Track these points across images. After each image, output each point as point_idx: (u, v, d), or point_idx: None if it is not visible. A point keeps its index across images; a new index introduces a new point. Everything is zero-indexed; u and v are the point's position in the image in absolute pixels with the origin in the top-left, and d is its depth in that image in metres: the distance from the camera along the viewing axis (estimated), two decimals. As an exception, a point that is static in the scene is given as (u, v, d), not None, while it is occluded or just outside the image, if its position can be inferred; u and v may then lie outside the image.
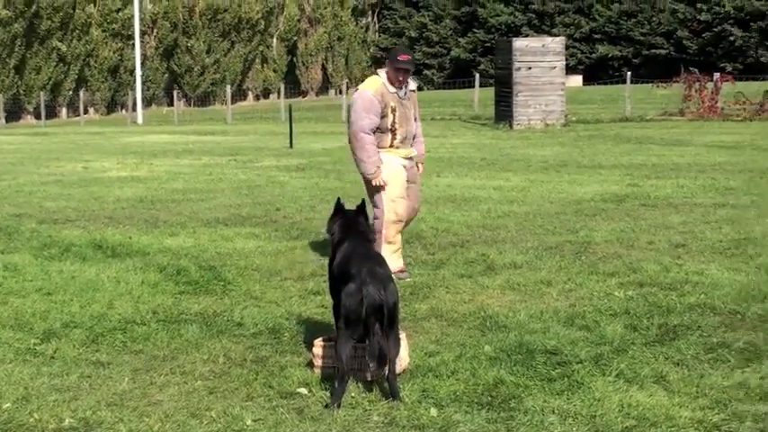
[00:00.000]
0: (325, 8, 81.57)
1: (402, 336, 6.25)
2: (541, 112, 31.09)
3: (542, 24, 77.79)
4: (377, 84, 9.04)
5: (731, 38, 71.38)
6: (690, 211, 12.75)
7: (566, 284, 8.62)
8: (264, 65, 79.94)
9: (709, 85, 33.95)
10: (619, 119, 34.01)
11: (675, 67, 51.34)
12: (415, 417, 5.49)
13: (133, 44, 54.91)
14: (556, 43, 32.00)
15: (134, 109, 51.37)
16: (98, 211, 13.92)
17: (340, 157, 22.15)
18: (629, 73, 40.26)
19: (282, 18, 79.86)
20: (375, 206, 9.14)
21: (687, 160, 19.47)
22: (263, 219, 12.88)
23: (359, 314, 5.63)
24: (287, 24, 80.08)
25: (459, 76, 66.84)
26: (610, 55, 75.18)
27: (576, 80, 67.13)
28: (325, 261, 7.42)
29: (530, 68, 31.00)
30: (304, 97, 78.14)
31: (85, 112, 58.90)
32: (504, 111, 32.08)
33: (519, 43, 31.99)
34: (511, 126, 31.06)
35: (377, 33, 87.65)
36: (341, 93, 53.99)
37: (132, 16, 55.28)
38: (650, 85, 41.89)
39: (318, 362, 6.19)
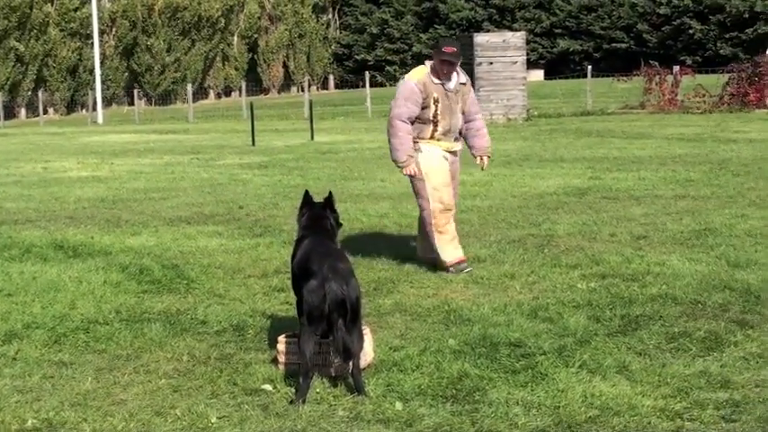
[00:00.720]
0: (286, 5, 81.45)
1: (366, 331, 6.25)
2: (503, 106, 31.23)
3: (503, 19, 78.13)
4: (421, 74, 8.95)
5: (690, 31, 72.06)
6: (651, 202, 12.85)
7: (529, 277, 8.66)
8: (225, 63, 79.73)
9: (669, 79, 34.28)
10: (580, 113, 34.22)
11: (636, 60, 51.79)
12: (380, 411, 5.50)
13: (92, 43, 54.52)
14: (516, 38, 32.16)
15: (94, 108, 51.05)
16: (59, 211, 13.81)
17: (302, 154, 22.15)
18: (589, 67, 40.51)
19: (243, 15, 79.65)
20: (420, 197, 9.08)
21: (648, 153, 19.61)
22: (225, 217, 12.84)
23: (322, 310, 5.63)
24: (247, 22, 79.88)
25: (420, 71, 66.79)
26: (571, 49, 75.61)
27: (538, 75, 67.50)
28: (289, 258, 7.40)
29: (491, 63, 31.14)
30: (266, 95, 77.97)
31: (45, 112, 58.45)
32: (465, 106, 32.13)
33: (480, 38, 32.12)
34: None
35: (338, 30, 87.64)
36: (303, 90, 53.89)
37: (90, 15, 54.88)
38: (611, 78, 42.18)
39: (282, 358, 6.18)
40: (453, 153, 9.15)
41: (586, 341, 6.61)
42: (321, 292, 5.63)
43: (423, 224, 9.25)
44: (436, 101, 8.87)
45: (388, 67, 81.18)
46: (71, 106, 67.78)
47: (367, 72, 45.73)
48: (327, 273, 5.67)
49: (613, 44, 75.12)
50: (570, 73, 62.62)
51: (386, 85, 75.93)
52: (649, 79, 34.54)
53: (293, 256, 6.31)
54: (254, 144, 25.55)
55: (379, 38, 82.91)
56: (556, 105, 37.97)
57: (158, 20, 72.43)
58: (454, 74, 8.99)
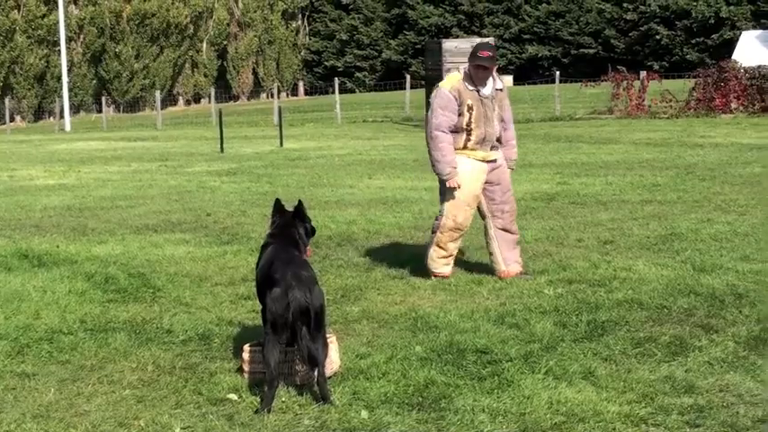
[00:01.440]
0: (255, 12, 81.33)
1: (332, 339, 6.24)
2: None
3: (472, 25, 78.38)
4: (454, 80, 8.63)
5: (657, 36, 72.56)
6: (618, 208, 12.90)
7: (496, 283, 8.67)
8: (195, 69, 79.49)
9: (636, 84, 34.45)
10: (549, 118, 34.34)
11: (604, 66, 52.08)
12: (345, 419, 5.47)
13: (59, 50, 54.19)
14: (485, 44, 32.19)
15: (61, 116, 50.69)
16: (24, 220, 13.70)
17: (271, 161, 22.09)
18: (557, 72, 40.68)
19: (212, 22, 79.42)
20: (440, 203, 8.90)
21: (616, 158, 19.71)
22: (193, 224, 12.77)
23: (286, 318, 5.60)
24: (216, 28, 79.69)
25: (390, 78, 66.96)
26: (539, 55, 75.93)
27: (507, 80, 67.61)
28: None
29: (459, 70, 31.13)
30: (236, 101, 77.77)
31: (12, 119, 58.00)
32: (434, 112, 32.15)
33: (448, 44, 32.09)
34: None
35: (307, 37, 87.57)
36: (272, 96, 53.79)
37: (58, 22, 54.53)
38: (579, 84, 42.36)
39: (247, 367, 6.14)
40: (492, 161, 8.74)
41: (553, 347, 6.62)
42: (285, 301, 5.60)
43: (433, 226, 9.08)
44: (470, 108, 8.52)
45: (357, 74, 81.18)
46: (38, 114, 67.33)
47: (336, 78, 45.69)
48: (291, 281, 5.65)
49: (581, 50, 75.51)
50: (539, 78, 62.87)
51: (355, 92, 76.00)
52: (617, 84, 34.71)
53: (257, 264, 6.28)
54: (222, 151, 25.47)
55: (349, 44, 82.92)
56: (525, 111, 38.04)
57: (126, 26, 72.10)
58: (490, 79, 8.64)
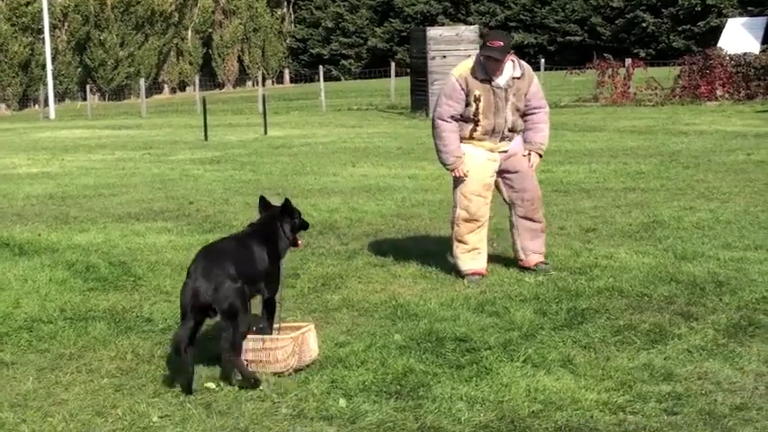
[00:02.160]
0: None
1: (310, 327, 6.23)
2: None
3: (458, 13, 78.24)
4: (464, 68, 8.24)
5: (643, 24, 72.54)
6: (601, 195, 12.91)
7: (477, 271, 8.65)
8: (180, 57, 79.11)
9: (622, 71, 34.44)
10: (534, 106, 34.28)
11: (590, 53, 52.02)
12: (323, 408, 5.47)
13: (44, 38, 53.90)
14: (470, 32, 32.19)
15: (46, 104, 50.46)
16: (6, 208, 13.64)
17: (255, 149, 22.03)
18: (542, 60, 40.68)
19: (197, 10, 79.07)
20: (453, 196, 8.58)
21: (600, 146, 19.72)
22: (175, 213, 12.73)
23: (186, 310, 5.71)
24: (201, 16, 79.32)
25: (376, 65, 66.81)
26: (525, 42, 75.82)
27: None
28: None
29: (444, 57, 31.11)
30: (221, 89, 77.53)
31: (-4, 107, 57.74)
32: (420, 100, 32.17)
33: (433, 32, 32.13)
34: (427, 115, 31.09)
35: (293, 24, 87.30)
36: (258, 84, 53.65)
37: (42, 10, 54.21)
38: (564, 72, 42.36)
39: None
40: (503, 152, 8.40)
41: (532, 335, 6.63)
42: (189, 293, 5.72)
43: (450, 219, 8.75)
44: (477, 98, 8.12)
45: (343, 61, 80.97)
46: (23, 102, 66.93)
47: (321, 66, 45.58)
48: (198, 274, 5.74)
49: (567, 37, 75.48)
50: (525, 66, 62.65)
51: (341, 79, 75.84)
52: (602, 72, 34.71)
53: None
54: (206, 139, 25.39)
55: (334, 32, 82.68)
56: (510, 99, 38.06)
57: (111, 14, 71.70)
58: (508, 67, 8.19)
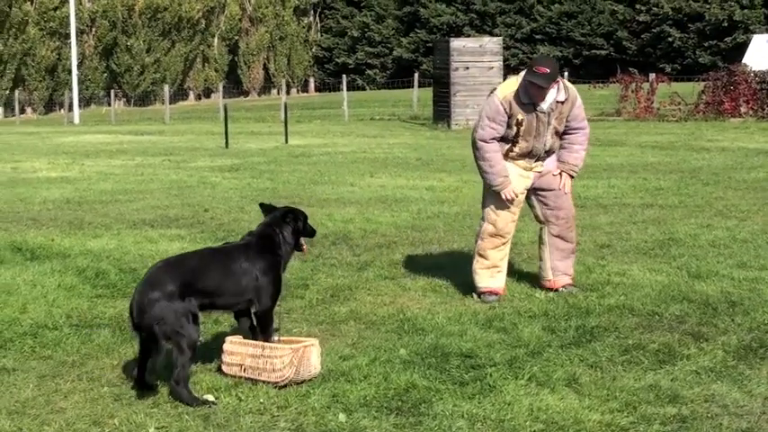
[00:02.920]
0: (267, 7, 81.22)
1: (314, 342, 6.15)
2: (479, 112, 31.15)
3: (484, 24, 78.13)
4: (508, 90, 7.96)
5: (669, 39, 72.22)
6: (618, 211, 12.79)
7: (488, 286, 8.55)
8: (206, 64, 79.45)
9: (645, 86, 34.28)
10: (556, 119, 34.14)
11: (615, 67, 51.87)
12: (322, 422, 5.40)
13: (71, 43, 54.19)
14: (493, 43, 32.12)
15: (71, 109, 50.70)
16: (22, 212, 13.65)
17: (275, 157, 22.03)
18: (566, 73, 40.53)
19: (223, 17, 79.40)
20: (482, 209, 8.39)
21: (620, 161, 19.59)
22: (190, 220, 12.71)
23: (131, 331, 5.90)
24: (228, 23, 79.64)
25: (401, 75, 66.77)
26: (551, 55, 75.59)
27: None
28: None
29: (467, 68, 31.07)
30: (246, 97, 77.74)
31: (22, 111, 58.10)
32: (442, 111, 32.13)
33: (456, 43, 32.08)
34: (449, 126, 31.10)
35: (319, 33, 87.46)
36: (282, 92, 53.75)
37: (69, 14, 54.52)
38: (588, 85, 42.19)
39: (227, 359, 6.14)
40: (537, 172, 8.21)
41: (539, 352, 6.54)
42: (130, 311, 5.85)
43: (476, 233, 8.56)
44: (519, 123, 7.92)
45: (368, 71, 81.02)
46: (49, 106, 67.34)
47: (344, 75, 45.58)
48: (136, 294, 5.82)
49: (593, 51, 75.25)
50: (550, 79, 62.48)
51: (366, 89, 75.88)
52: (625, 86, 34.56)
53: None
54: (227, 146, 25.41)
55: (360, 41, 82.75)
56: (533, 111, 37.95)
57: (138, 20, 72.12)
58: (552, 90, 7.89)
